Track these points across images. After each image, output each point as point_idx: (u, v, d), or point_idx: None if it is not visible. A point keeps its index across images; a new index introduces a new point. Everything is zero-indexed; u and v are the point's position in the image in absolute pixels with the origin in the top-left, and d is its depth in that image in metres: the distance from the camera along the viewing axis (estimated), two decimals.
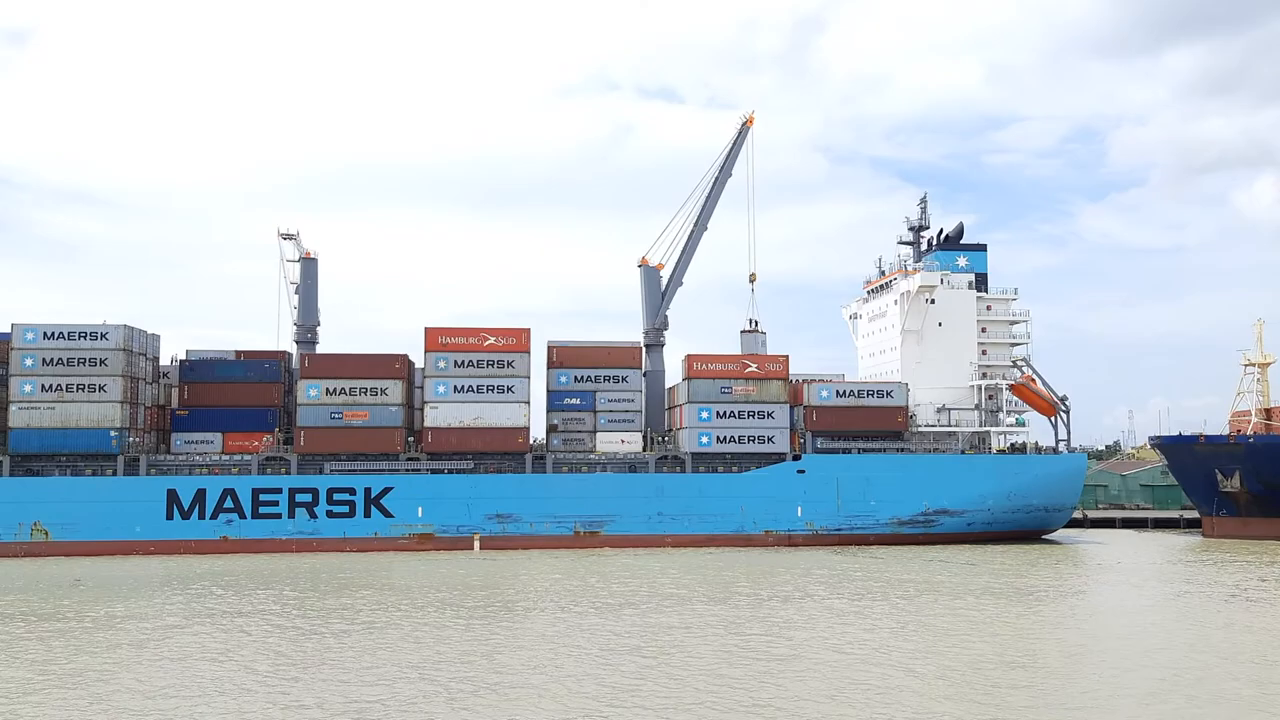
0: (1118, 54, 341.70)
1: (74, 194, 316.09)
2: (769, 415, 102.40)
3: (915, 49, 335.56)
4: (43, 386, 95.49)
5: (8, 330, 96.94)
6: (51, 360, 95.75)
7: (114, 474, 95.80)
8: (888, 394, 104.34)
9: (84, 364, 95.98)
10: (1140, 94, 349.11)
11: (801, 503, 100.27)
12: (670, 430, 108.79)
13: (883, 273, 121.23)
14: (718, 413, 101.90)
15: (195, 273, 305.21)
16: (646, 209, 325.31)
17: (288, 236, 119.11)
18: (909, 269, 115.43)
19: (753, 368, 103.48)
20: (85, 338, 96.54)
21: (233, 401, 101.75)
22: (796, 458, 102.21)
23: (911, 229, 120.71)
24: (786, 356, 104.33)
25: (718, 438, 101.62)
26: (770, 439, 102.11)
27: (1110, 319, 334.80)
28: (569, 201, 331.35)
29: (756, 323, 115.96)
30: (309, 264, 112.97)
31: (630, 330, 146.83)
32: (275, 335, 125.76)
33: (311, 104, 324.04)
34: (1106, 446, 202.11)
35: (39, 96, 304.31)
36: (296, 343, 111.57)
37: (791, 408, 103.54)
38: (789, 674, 42.61)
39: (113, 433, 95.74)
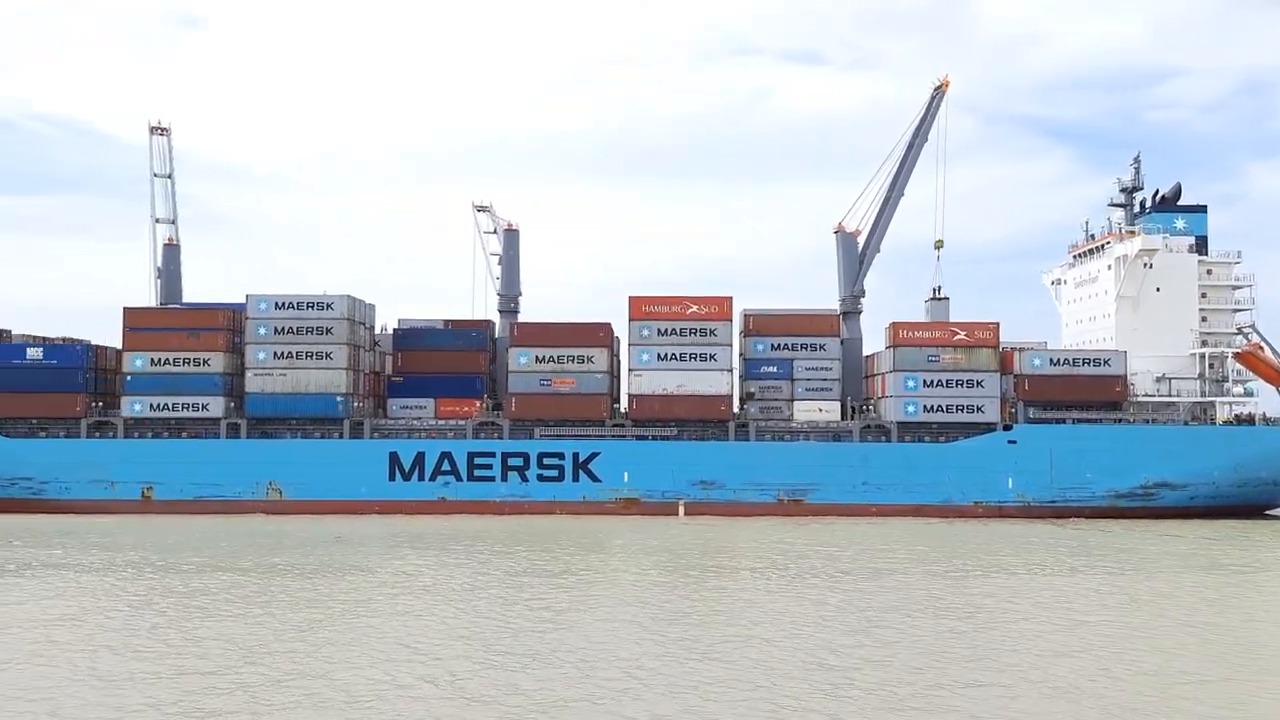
0: None
1: (243, 172, 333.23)
2: (978, 384, 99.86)
3: (1069, 5, 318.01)
4: (275, 354, 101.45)
5: (243, 301, 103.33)
6: (283, 329, 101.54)
7: (340, 437, 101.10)
8: (1105, 362, 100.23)
9: (312, 332, 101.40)
10: None
11: (1013, 474, 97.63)
12: (869, 399, 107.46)
13: (1091, 236, 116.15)
14: (924, 381, 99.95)
15: (375, 246, 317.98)
16: (789, 176, 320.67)
17: (482, 209, 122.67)
18: (1123, 232, 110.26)
19: (961, 335, 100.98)
20: (313, 308, 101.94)
21: (443, 368, 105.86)
22: (1007, 428, 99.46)
23: (1123, 190, 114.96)
24: (997, 324, 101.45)
25: (924, 407, 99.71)
26: (979, 408, 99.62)
27: None
28: (707, 169, 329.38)
29: (939, 289, 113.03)
30: (511, 235, 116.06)
31: (773, 298, 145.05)
32: (470, 305, 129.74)
33: (457, 77, 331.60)
34: None
35: (214, 77, 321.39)
36: (500, 312, 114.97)
37: (1001, 376, 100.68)
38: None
39: (339, 398, 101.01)
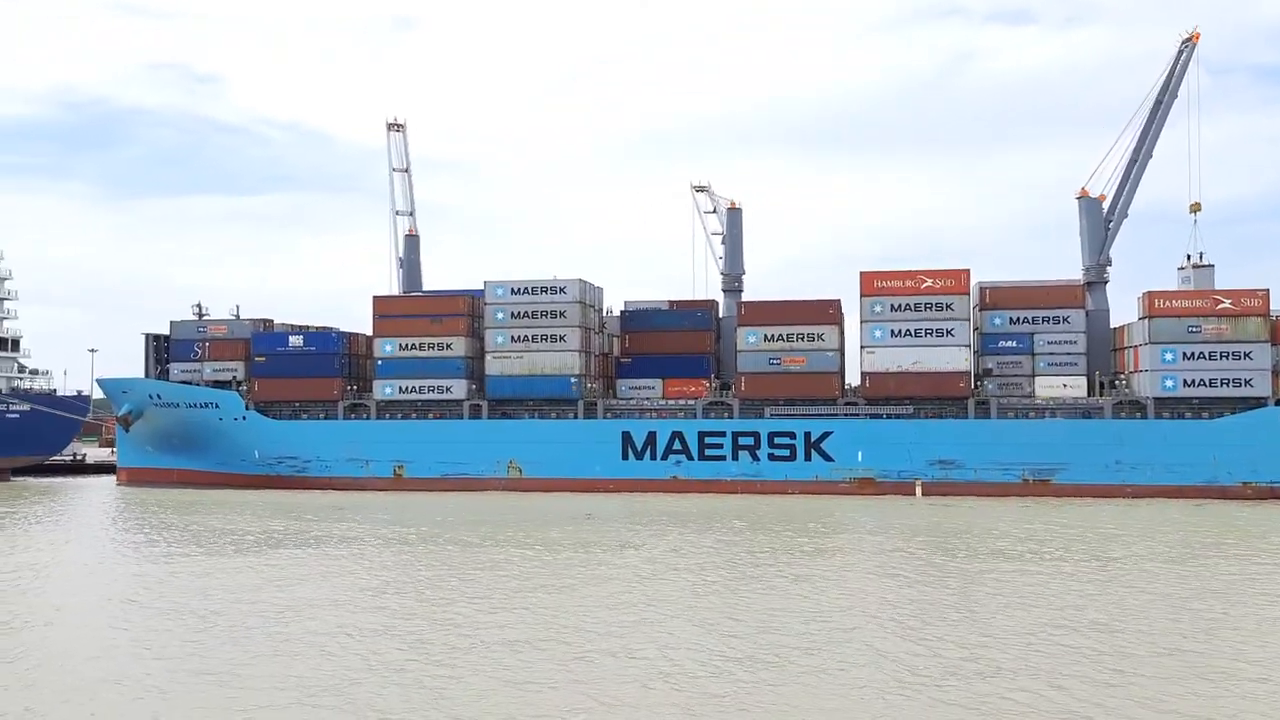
0: None
1: (458, 164, 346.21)
2: (1245, 356, 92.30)
3: None
4: (512, 337, 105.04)
5: (480, 287, 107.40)
6: (519, 313, 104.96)
7: (574, 417, 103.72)
8: None
9: (546, 316, 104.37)
10: None
11: None
12: (1119, 373, 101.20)
13: None
14: (1183, 354, 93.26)
15: (591, 231, 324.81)
16: (1008, 140, 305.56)
17: (700, 189, 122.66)
18: None
19: (1226, 303, 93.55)
20: (546, 292, 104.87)
21: (669, 349, 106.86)
22: (1279, 402, 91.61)
23: None
24: (1266, 290, 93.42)
25: (1184, 381, 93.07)
26: (1247, 381, 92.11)
27: None
28: (917, 136, 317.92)
29: (1199, 255, 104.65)
30: (734, 214, 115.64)
31: (1004, 269, 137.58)
32: (691, 285, 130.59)
33: (664, 61, 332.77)
34: None
35: (429, 74, 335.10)
36: (724, 291, 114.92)
37: (1272, 346, 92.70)
38: None
39: (572, 379, 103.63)
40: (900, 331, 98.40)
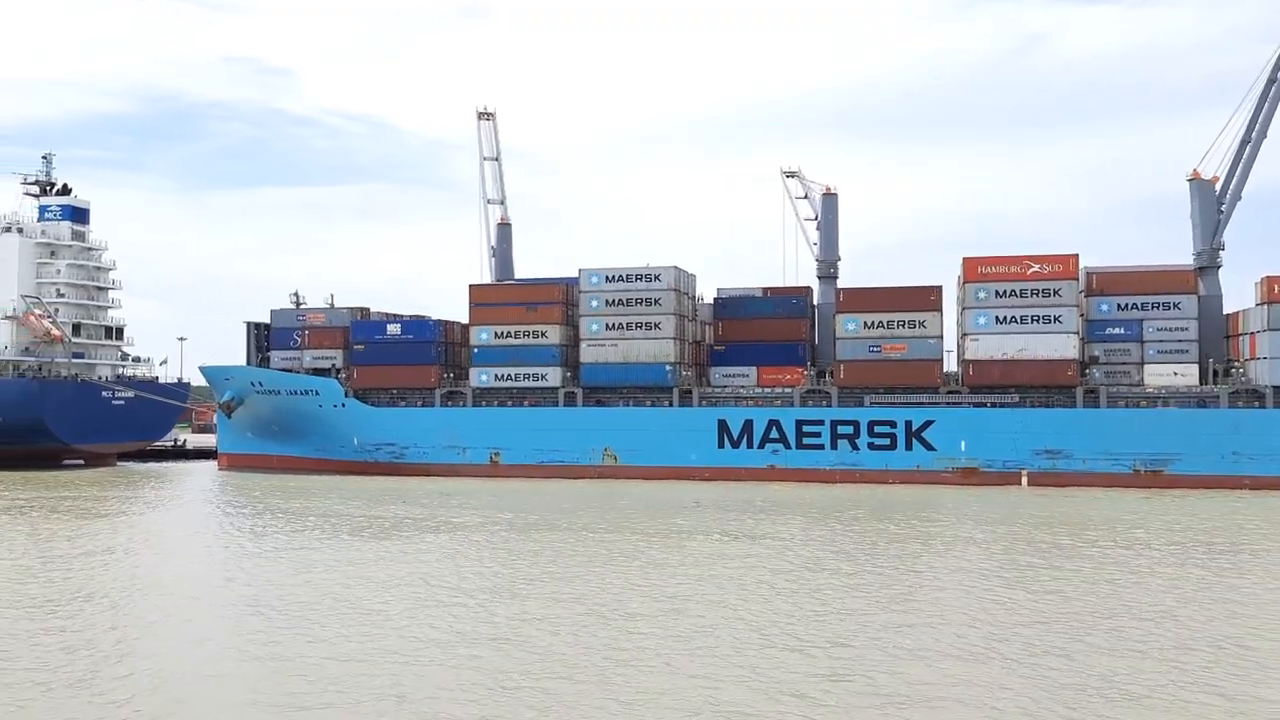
0: None
1: (522, 153, 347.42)
2: None
3: None
4: (607, 325, 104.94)
5: (574, 275, 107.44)
6: (613, 301, 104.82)
7: (669, 405, 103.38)
8: None
9: (641, 304, 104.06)
10: None
11: None
12: (1235, 361, 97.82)
13: None
14: None
15: (677, 219, 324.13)
16: (1055, 125, 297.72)
17: (791, 174, 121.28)
18: None
19: None
20: (641, 279, 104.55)
21: (763, 336, 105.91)
22: None
23: None
24: None
25: None
26: None
27: None
28: (993, 118, 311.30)
29: None
30: (829, 199, 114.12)
31: (1106, 255, 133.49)
32: (782, 271, 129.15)
33: (740, 46, 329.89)
34: None
35: (502, 63, 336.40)
36: (819, 278, 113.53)
37: None
38: None
39: (668, 366, 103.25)
40: (1005, 318, 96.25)
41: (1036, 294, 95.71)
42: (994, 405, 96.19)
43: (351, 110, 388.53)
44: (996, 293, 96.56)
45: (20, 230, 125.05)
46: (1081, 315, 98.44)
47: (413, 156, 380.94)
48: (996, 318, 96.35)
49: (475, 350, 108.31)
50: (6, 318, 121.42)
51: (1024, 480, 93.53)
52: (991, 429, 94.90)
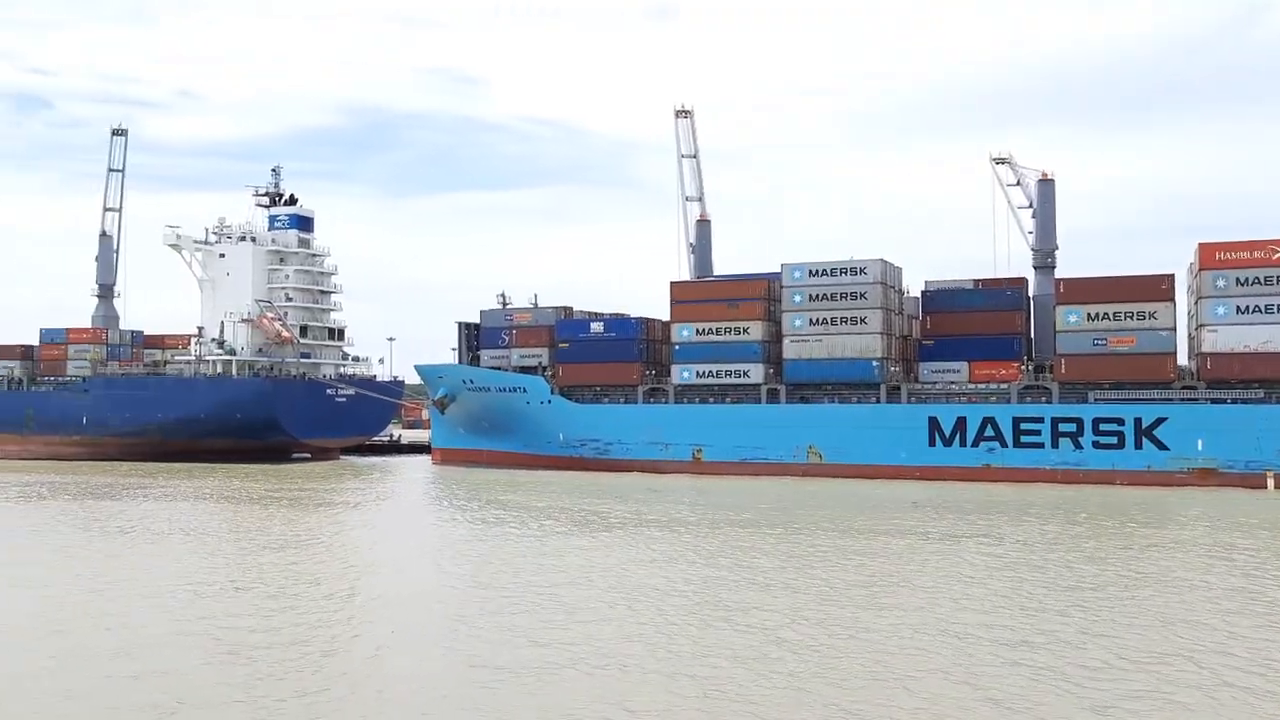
0: None
1: (718, 151, 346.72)
2: None
3: None
4: (810, 320, 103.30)
5: (777, 270, 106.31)
6: (817, 295, 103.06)
7: (876, 402, 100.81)
8: None
9: (846, 298, 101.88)
10: None
11: None
12: None
13: None
14: None
15: (880, 210, 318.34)
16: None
17: (1000, 161, 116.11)
18: None
19: None
20: (846, 273, 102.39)
21: (975, 330, 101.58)
22: None
23: None
24: None
25: None
26: None
27: None
28: (1209, 96, 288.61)
29: None
30: (1045, 185, 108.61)
31: None
32: (993, 262, 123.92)
33: (913, 25, 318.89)
34: None
35: (690, 62, 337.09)
36: (1035, 268, 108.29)
37: None
38: None
39: (874, 362, 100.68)
40: (1247, 308, 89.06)
41: None
42: (1235, 401, 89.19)
43: (540, 115, 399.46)
44: (1237, 280, 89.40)
45: (254, 239, 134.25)
46: None
47: (600, 158, 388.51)
48: (1237, 307, 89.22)
49: (677, 347, 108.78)
50: (243, 321, 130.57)
51: (1271, 483, 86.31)
52: (1233, 427, 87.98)
